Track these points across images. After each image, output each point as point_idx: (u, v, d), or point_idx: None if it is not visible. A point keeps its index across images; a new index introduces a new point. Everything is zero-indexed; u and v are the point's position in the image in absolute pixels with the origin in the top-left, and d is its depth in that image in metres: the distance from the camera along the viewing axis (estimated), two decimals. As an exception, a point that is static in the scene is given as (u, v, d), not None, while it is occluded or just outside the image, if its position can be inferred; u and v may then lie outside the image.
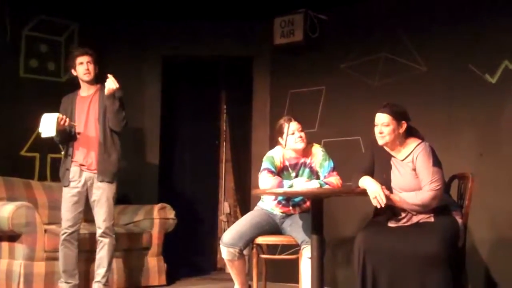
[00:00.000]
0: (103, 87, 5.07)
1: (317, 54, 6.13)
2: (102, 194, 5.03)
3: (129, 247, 5.65)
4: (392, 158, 4.11)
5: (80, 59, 5.07)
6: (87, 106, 5.10)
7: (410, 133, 4.13)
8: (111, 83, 4.92)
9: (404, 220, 4.04)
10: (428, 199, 3.94)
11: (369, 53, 5.77)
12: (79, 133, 5.06)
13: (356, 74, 5.85)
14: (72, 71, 5.15)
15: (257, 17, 6.38)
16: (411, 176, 4.02)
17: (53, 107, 5.25)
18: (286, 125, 4.49)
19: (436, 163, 4.01)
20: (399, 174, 4.06)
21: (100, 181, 5.02)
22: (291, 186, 4.30)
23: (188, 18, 6.50)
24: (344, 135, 5.83)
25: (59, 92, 5.39)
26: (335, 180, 4.38)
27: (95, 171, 5.03)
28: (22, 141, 6.07)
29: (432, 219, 3.98)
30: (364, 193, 3.99)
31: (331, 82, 6.02)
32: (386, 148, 4.14)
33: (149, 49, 6.67)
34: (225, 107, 7.40)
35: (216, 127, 7.43)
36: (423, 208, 3.97)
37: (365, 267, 3.94)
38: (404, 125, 4.06)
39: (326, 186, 4.32)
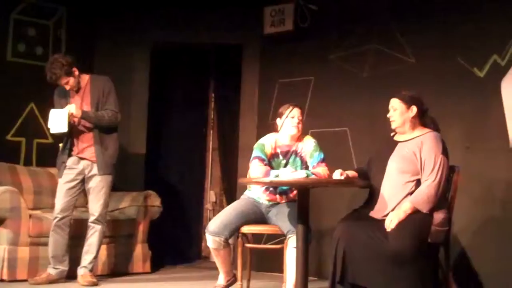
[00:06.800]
0: (94, 77, 5.16)
1: (306, 44, 6.11)
2: (99, 183, 5.08)
3: (114, 234, 5.62)
4: (398, 144, 4.13)
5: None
6: (80, 98, 5.10)
7: (425, 123, 4.16)
8: (73, 111, 4.92)
9: (384, 212, 4.01)
10: (432, 193, 3.91)
11: (359, 44, 5.76)
12: (75, 126, 5.04)
13: (345, 65, 5.84)
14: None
15: (248, 5, 6.35)
16: (406, 157, 4.01)
17: (40, 92, 5.22)
18: (290, 108, 4.50)
19: (445, 152, 4.01)
20: (396, 156, 4.07)
21: (100, 175, 5.06)
22: (277, 176, 4.29)
23: (178, 5, 6.45)
24: (331, 126, 5.82)
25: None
26: (322, 170, 4.37)
27: (94, 160, 5.06)
28: (8, 126, 6.03)
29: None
30: (352, 184, 3.97)
31: (320, 73, 6.00)
32: (396, 137, 4.17)
33: (138, 35, 6.61)
34: (213, 95, 7.38)
35: (204, 115, 7.41)
36: (432, 203, 3.91)
37: (337, 253, 3.95)
38: (414, 109, 4.10)
39: (313, 177, 4.32)
